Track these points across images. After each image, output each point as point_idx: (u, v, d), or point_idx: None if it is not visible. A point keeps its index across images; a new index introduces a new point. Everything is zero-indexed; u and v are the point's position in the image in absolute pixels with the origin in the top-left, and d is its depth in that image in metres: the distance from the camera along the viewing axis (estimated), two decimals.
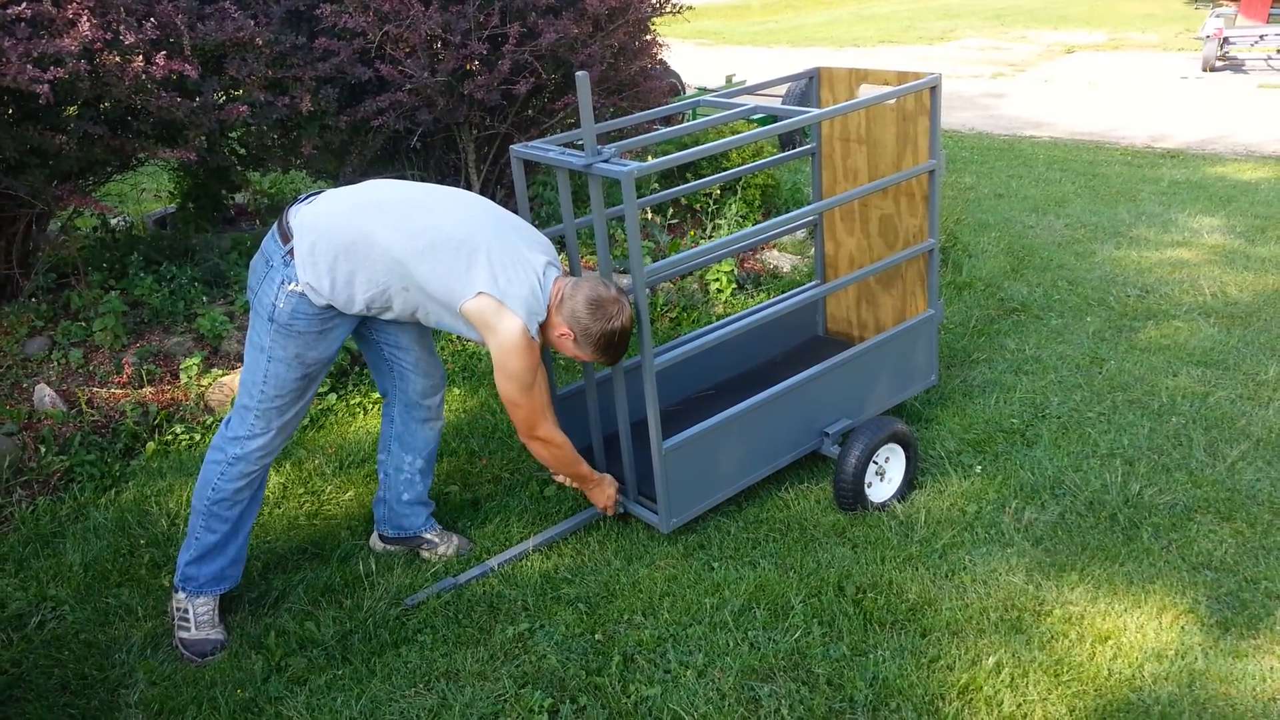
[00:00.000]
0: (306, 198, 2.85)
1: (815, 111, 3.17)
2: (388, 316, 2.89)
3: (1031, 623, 2.87)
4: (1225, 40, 13.00)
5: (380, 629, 2.95)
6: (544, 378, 3.00)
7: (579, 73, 2.75)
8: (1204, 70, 13.04)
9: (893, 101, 3.61)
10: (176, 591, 2.96)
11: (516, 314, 2.73)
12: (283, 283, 2.74)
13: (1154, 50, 15.43)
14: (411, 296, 2.79)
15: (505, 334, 2.74)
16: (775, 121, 7.09)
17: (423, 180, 5.48)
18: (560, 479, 3.32)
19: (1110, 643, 2.78)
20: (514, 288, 2.74)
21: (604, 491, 3.29)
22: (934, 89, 3.42)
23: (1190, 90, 12.00)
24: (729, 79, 9.15)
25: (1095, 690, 2.61)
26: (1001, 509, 3.42)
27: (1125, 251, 6.09)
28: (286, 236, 2.76)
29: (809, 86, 3.93)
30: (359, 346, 3.19)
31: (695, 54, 16.35)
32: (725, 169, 5.97)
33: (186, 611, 2.93)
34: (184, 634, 2.92)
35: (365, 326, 3.05)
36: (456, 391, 4.38)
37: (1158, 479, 3.56)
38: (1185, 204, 7.19)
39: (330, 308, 2.78)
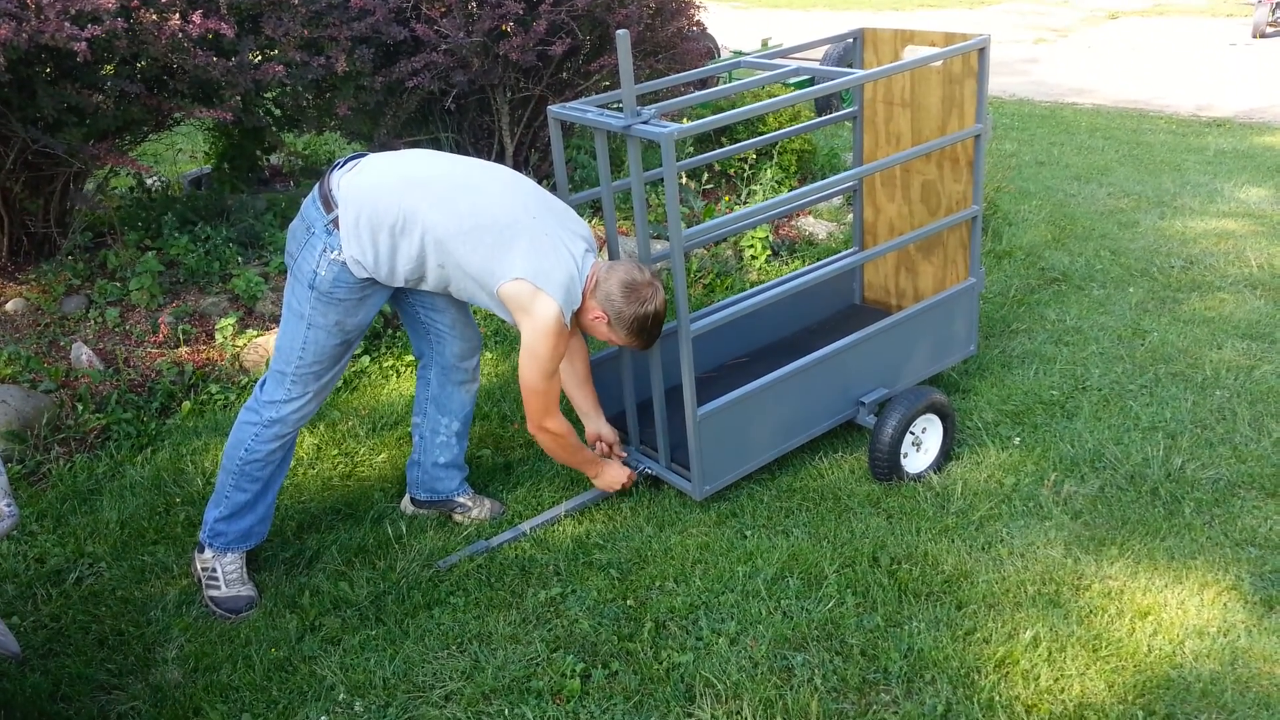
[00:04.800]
0: (346, 163, 2.82)
1: (860, 73, 3.11)
2: (424, 288, 2.89)
3: (1070, 597, 2.83)
4: (1278, 6, 12.65)
5: (413, 590, 2.95)
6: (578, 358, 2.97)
7: (619, 31, 2.69)
8: (1254, 37, 12.72)
9: (939, 64, 3.52)
10: (202, 550, 2.97)
11: (554, 298, 2.73)
12: (325, 250, 2.73)
13: (1201, 16, 15.06)
14: (447, 273, 2.79)
15: (540, 316, 2.74)
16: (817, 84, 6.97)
17: (457, 143, 5.46)
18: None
19: (1150, 619, 2.73)
20: (554, 273, 2.74)
21: (612, 471, 3.27)
22: (982, 51, 3.34)
23: (1239, 57, 11.71)
24: (765, 42, 9.01)
25: (1134, 666, 2.57)
26: (1040, 481, 3.36)
27: (1169, 221, 5.96)
28: (330, 205, 2.74)
29: (850, 49, 3.85)
30: (395, 309, 3.18)
31: (731, 17, 16.14)
32: (761, 133, 5.89)
33: (215, 570, 2.94)
34: (214, 592, 2.93)
35: (401, 291, 3.04)
36: (489, 355, 4.37)
37: (1201, 453, 3.49)
38: (1232, 174, 7.03)
39: (369, 279, 2.77)
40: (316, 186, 2.81)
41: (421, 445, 3.27)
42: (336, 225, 2.71)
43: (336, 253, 2.72)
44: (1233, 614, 2.75)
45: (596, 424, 3.34)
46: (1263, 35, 12.69)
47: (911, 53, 3.59)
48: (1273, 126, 8.56)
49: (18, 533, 3.24)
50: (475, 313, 4.65)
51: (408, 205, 2.71)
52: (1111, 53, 12.53)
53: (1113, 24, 14.94)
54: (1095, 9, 16.29)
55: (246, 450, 2.90)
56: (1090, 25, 14.91)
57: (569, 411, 3.36)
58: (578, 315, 2.87)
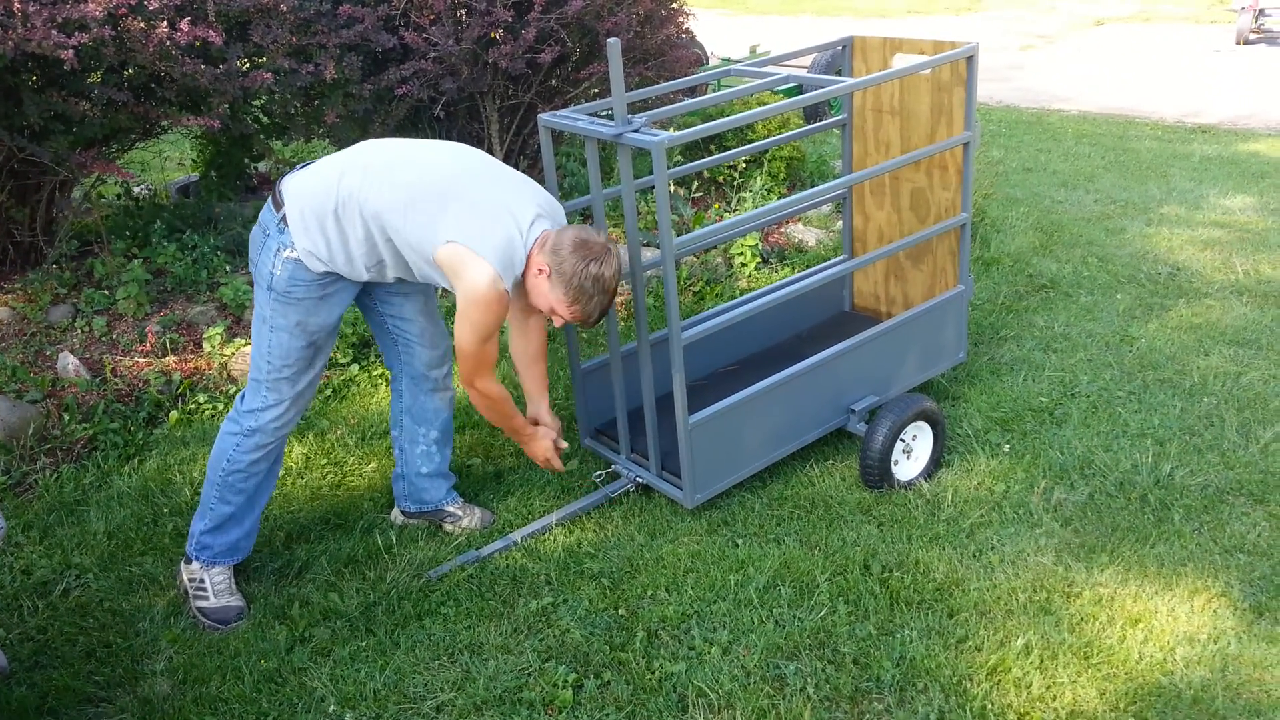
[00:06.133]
0: (301, 166, 2.83)
1: (849, 81, 3.11)
2: (391, 275, 2.84)
3: (1061, 604, 2.83)
4: (1261, 12, 12.75)
5: (404, 601, 2.94)
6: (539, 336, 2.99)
7: (610, 40, 2.69)
8: (1238, 43, 12.80)
9: (928, 71, 3.54)
10: (189, 562, 2.96)
11: (488, 261, 2.64)
12: (279, 249, 2.72)
13: (1186, 22, 15.16)
14: (394, 248, 2.74)
15: (471, 281, 2.65)
16: (806, 92, 7.00)
17: None
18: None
19: (1141, 626, 2.74)
20: (491, 237, 2.65)
21: (540, 444, 3.19)
22: (970, 59, 3.35)
23: (1223, 64, 11.79)
24: (753, 49, 9.04)
25: (1126, 674, 2.58)
26: (1030, 489, 3.37)
27: (1156, 228, 5.99)
28: (279, 204, 2.74)
29: (839, 56, 3.86)
30: (365, 320, 3.17)
31: (718, 23, 16.17)
32: (751, 141, 5.90)
33: (203, 581, 2.93)
34: (202, 603, 2.92)
35: (369, 298, 3.02)
36: None
37: (1189, 460, 3.51)
38: (1217, 181, 7.07)
39: (329, 273, 2.76)
40: (271, 193, 2.81)
41: (402, 457, 3.26)
42: (286, 222, 2.71)
43: (290, 250, 2.71)
44: (1223, 621, 2.76)
45: (538, 407, 3.24)
46: (1246, 42, 12.78)
47: (901, 61, 3.60)
48: (1258, 133, 8.62)
49: (4, 544, 3.22)
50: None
51: (345, 187, 2.68)
52: (1097, 59, 12.60)
53: (1098, 30, 15.03)
54: (1081, 15, 16.39)
55: (229, 461, 2.89)
56: (1076, 31, 14.99)
57: (517, 394, 3.31)
58: (521, 277, 2.78)
